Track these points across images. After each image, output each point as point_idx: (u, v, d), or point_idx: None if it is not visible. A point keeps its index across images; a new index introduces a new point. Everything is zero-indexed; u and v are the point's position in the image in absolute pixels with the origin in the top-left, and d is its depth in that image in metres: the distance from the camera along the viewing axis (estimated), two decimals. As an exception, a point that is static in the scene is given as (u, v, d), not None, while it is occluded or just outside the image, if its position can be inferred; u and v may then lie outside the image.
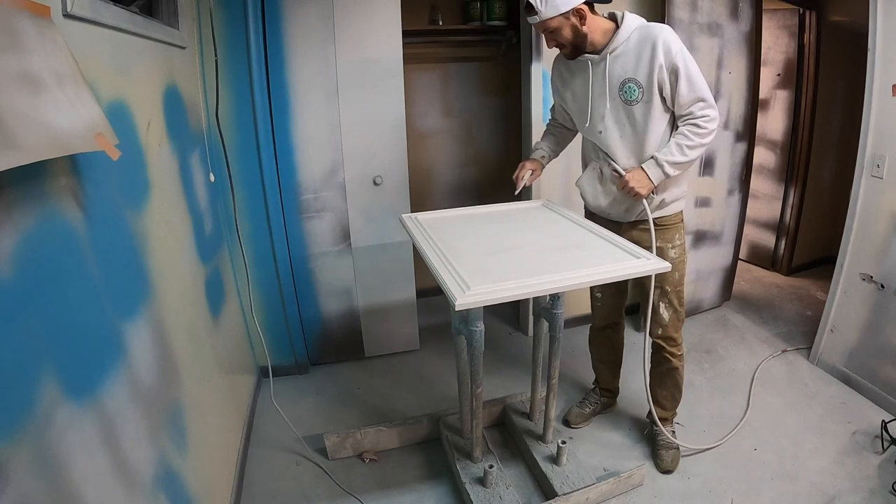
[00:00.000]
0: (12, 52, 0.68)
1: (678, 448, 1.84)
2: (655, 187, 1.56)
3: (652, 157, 1.54)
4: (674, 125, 1.57)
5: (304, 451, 1.93)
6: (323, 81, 2.09)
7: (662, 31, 1.45)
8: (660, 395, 1.87)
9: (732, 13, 2.46)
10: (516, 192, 1.77)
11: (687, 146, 1.50)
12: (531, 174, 1.79)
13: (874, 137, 2.02)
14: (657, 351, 1.80)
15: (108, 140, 0.85)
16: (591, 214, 1.79)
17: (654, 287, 1.67)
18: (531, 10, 1.44)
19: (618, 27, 1.50)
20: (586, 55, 1.54)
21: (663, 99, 1.50)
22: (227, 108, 1.95)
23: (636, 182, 1.53)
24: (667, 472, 1.79)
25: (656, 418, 1.79)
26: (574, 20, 1.45)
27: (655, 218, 1.61)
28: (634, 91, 1.50)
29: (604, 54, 1.51)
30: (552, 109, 1.89)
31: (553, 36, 1.49)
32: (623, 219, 1.68)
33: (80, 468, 0.80)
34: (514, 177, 1.78)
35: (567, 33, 1.48)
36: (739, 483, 1.75)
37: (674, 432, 1.90)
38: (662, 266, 1.33)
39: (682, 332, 1.80)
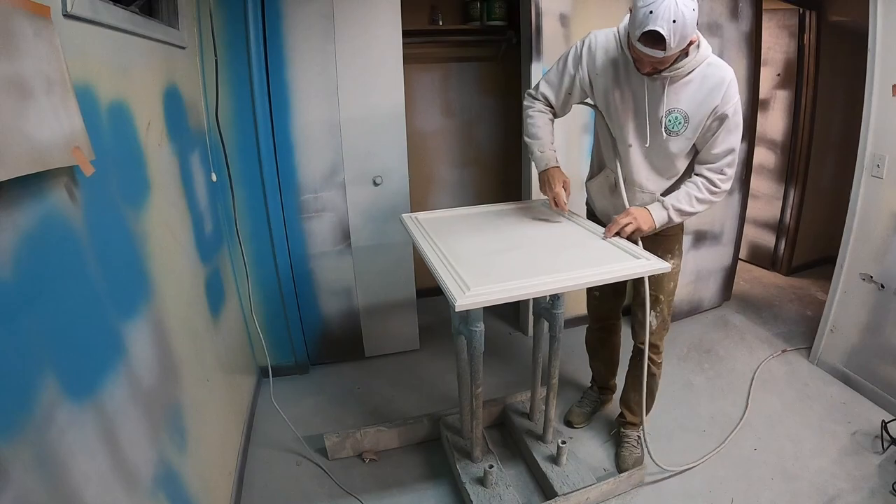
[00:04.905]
0: (6, 56, 0.66)
1: (642, 453, 1.85)
2: (656, 228, 1.52)
3: (659, 201, 1.50)
4: (692, 166, 1.54)
5: (304, 451, 1.93)
6: (323, 81, 2.09)
7: (728, 75, 1.38)
8: (632, 400, 1.88)
9: (732, 13, 2.46)
10: (567, 215, 1.65)
11: (697, 198, 1.48)
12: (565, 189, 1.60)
13: (874, 137, 2.02)
14: (638, 355, 1.79)
15: (84, 155, 0.84)
16: (593, 216, 1.79)
17: (650, 294, 1.66)
18: (658, 44, 1.22)
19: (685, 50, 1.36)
20: None
21: (698, 139, 1.47)
22: (227, 108, 1.95)
23: (641, 221, 1.48)
24: (624, 470, 1.79)
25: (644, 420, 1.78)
26: (684, 49, 1.30)
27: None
28: (680, 123, 1.44)
29: (665, 76, 1.38)
30: (546, 84, 1.61)
31: (656, 64, 1.33)
32: None
33: (80, 468, 0.80)
34: (554, 201, 1.61)
35: (670, 61, 1.33)
36: (739, 483, 1.75)
37: (639, 437, 1.89)
38: (662, 266, 1.33)
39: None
